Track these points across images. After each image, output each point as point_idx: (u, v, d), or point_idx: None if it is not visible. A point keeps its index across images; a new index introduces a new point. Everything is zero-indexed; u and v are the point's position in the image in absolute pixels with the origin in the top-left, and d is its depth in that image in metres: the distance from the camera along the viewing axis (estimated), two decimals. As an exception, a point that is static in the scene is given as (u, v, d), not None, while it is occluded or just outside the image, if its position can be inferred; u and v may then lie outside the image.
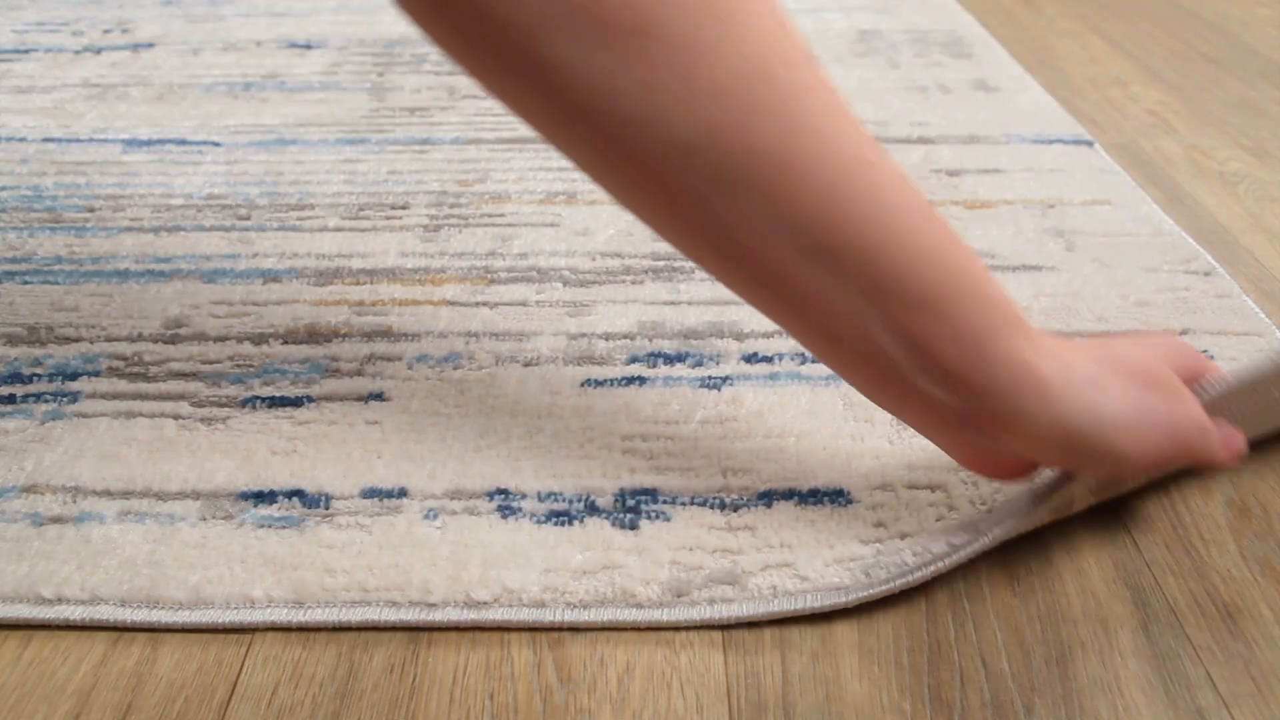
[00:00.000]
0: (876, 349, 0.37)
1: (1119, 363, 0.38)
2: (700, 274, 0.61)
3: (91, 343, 0.56)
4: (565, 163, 0.76)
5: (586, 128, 0.34)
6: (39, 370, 0.54)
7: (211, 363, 0.54)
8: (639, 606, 0.41)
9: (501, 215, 0.68)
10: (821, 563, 0.42)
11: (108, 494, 0.46)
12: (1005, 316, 0.36)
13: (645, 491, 0.46)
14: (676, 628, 0.41)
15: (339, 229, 0.66)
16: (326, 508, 0.45)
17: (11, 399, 0.52)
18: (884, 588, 0.41)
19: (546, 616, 0.40)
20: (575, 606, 0.41)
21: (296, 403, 0.51)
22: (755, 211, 0.34)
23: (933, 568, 0.41)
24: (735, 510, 0.45)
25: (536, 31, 0.32)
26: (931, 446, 0.44)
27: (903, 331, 0.36)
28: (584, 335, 0.56)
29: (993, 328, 0.36)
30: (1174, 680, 0.39)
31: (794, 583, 0.41)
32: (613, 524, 0.44)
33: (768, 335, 0.56)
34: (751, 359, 0.54)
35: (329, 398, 0.52)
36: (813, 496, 0.45)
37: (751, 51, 0.33)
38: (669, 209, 0.36)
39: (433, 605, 0.41)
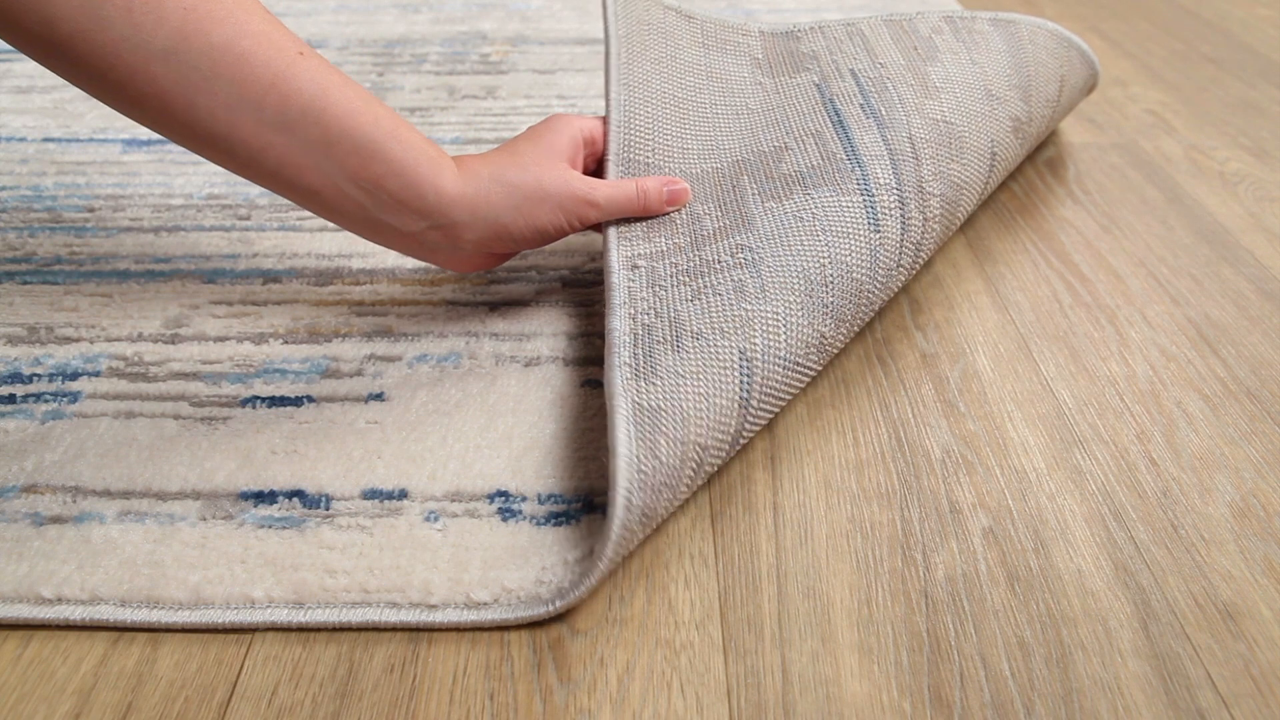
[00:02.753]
0: (346, 195, 0.49)
1: (516, 165, 0.52)
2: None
3: (91, 343, 0.56)
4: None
5: (83, 52, 0.43)
6: (39, 370, 0.54)
7: (211, 363, 0.54)
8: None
9: (501, 215, 0.68)
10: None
11: (108, 494, 0.46)
12: (426, 156, 0.49)
13: (645, 491, 0.46)
14: (676, 627, 0.41)
15: (339, 229, 0.66)
16: (327, 508, 0.45)
17: (11, 399, 0.52)
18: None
19: (546, 617, 0.40)
20: (574, 607, 0.41)
21: (296, 403, 0.51)
22: (227, 97, 0.45)
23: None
24: (735, 510, 0.45)
25: None
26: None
27: (355, 175, 0.48)
28: (584, 335, 0.56)
29: (417, 163, 0.49)
30: (1174, 680, 0.39)
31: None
32: (613, 524, 0.44)
33: (768, 335, 0.56)
34: (751, 359, 0.54)
35: (329, 398, 0.52)
36: (813, 496, 0.45)
37: None
38: (167, 110, 0.45)
39: (433, 606, 0.41)
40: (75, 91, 0.87)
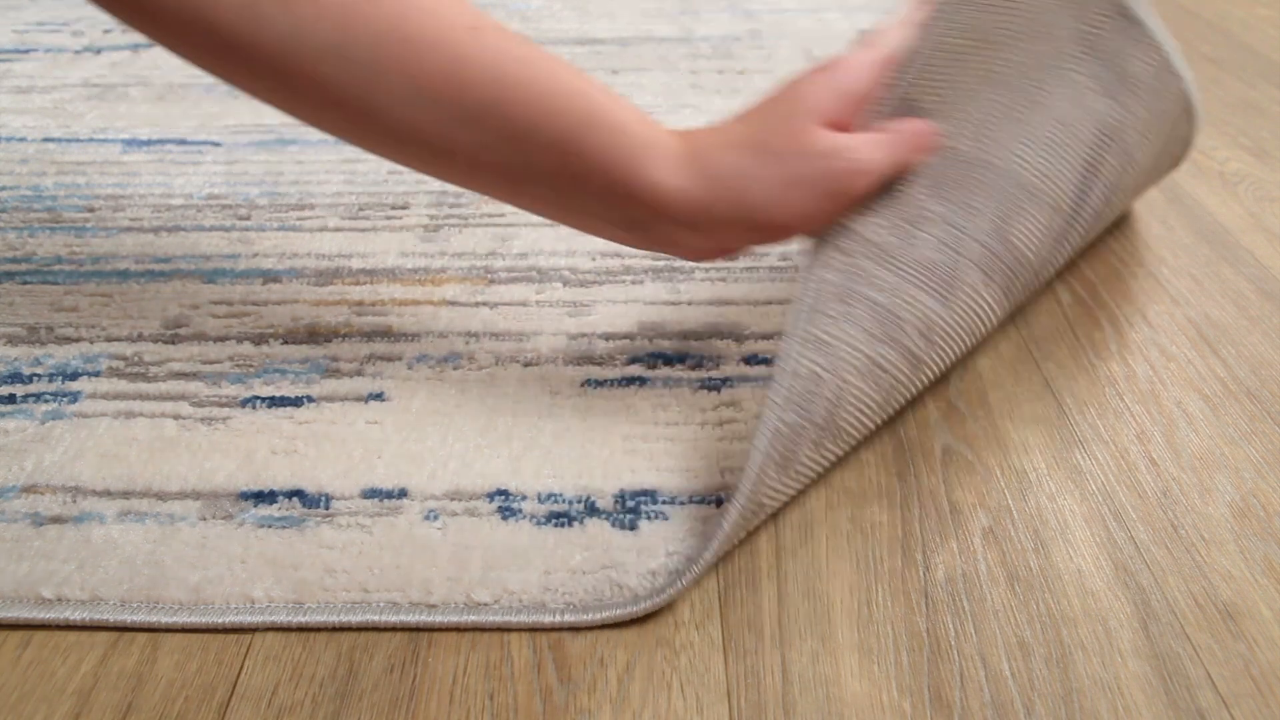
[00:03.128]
0: (545, 189, 0.42)
1: (762, 145, 0.42)
2: (700, 274, 0.61)
3: (91, 343, 0.56)
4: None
5: (247, 56, 0.39)
6: (39, 370, 0.54)
7: (211, 363, 0.54)
8: (635, 599, 0.41)
9: (501, 215, 0.68)
10: (821, 563, 0.42)
11: (108, 494, 0.46)
12: (637, 139, 0.40)
13: (645, 492, 0.46)
14: (676, 628, 0.41)
15: (339, 229, 0.66)
16: (327, 508, 0.45)
17: (11, 399, 0.52)
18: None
19: (546, 617, 0.40)
20: (575, 607, 0.41)
21: (296, 403, 0.51)
22: (401, 90, 0.39)
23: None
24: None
25: None
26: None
27: (553, 173, 0.41)
28: (584, 335, 0.56)
29: (623, 155, 0.40)
30: (1174, 680, 0.39)
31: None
32: (612, 524, 0.44)
33: (767, 336, 0.56)
34: (751, 360, 0.54)
35: (329, 398, 0.52)
36: (813, 496, 0.45)
37: None
38: (345, 113, 0.40)
39: (433, 606, 0.41)
40: (75, 91, 0.87)
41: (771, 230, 0.42)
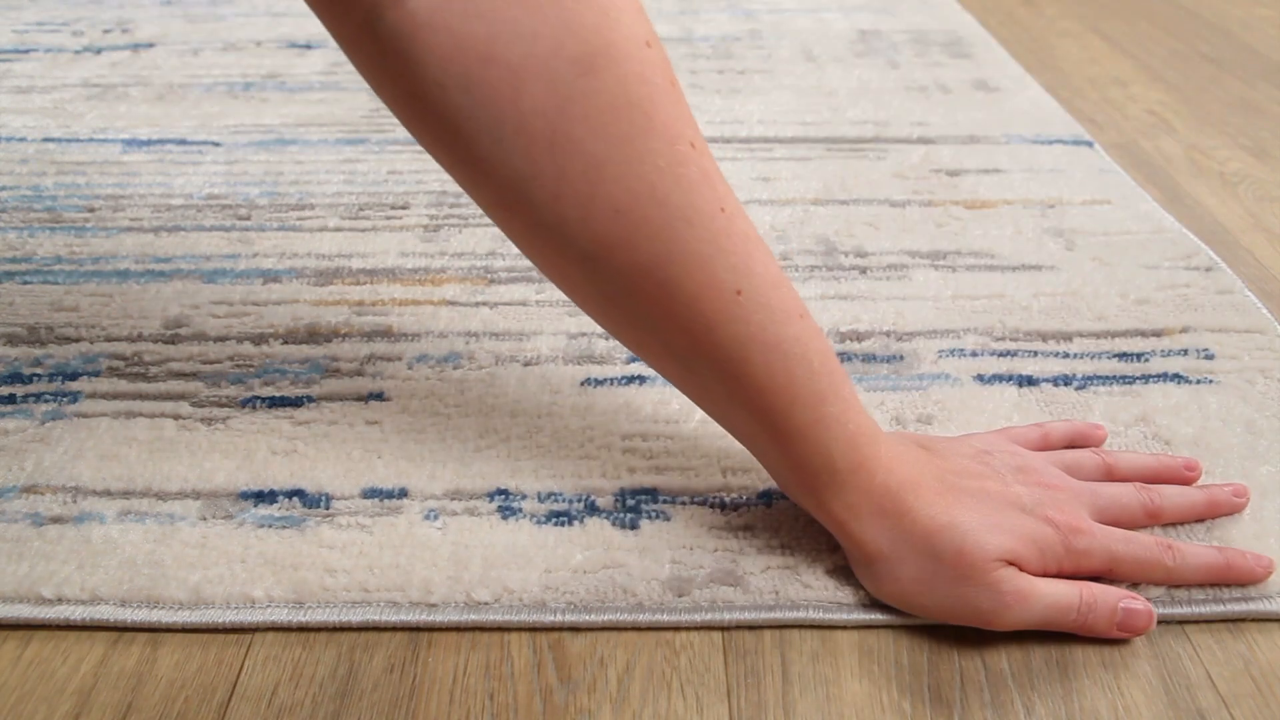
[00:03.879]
0: (750, 447, 0.42)
1: (954, 568, 0.39)
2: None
3: (91, 342, 0.56)
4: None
5: (507, 216, 0.37)
6: (39, 370, 0.54)
7: (211, 363, 0.54)
8: (639, 606, 0.41)
9: (501, 215, 0.68)
10: (823, 568, 0.42)
11: (108, 494, 0.46)
12: (831, 468, 0.40)
13: (645, 491, 0.46)
14: (677, 628, 0.41)
15: (339, 229, 0.66)
16: (327, 508, 0.45)
17: (11, 399, 0.52)
18: (885, 617, 0.40)
19: (546, 617, 0.40)
20: (575, 607, 0.41)
21: (296, 403, 0.51)
22: (643, 319, 0.38)
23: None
24: (735, 510, 0.45)
25: (464, 126, 0.34)
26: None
27: (767, 454, 0.41)
28: (584, 335, 0.56)
29: (813, 475, 0.40)
30: (1174, 680, 0.39)
31: (796, 589, 0.41)
32: (613, 524, 0.44)
33: (768, 335, 0.56)
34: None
35: (329, 398, 0.52)
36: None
37: (650, 174, 0.35)
38: (577, 295, 0.39)
39: (433, 605, 0.41)
40: (75, 92, 0.87)
41: (883, 596, 0.41)
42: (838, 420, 0.39)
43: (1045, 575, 0.40)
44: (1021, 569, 0.39)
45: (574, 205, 0.35)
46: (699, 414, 0.50)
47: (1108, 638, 0.40)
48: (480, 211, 0.68)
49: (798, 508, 0.45)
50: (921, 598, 0.40)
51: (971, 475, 0.41)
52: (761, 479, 0.46)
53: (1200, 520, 0.44)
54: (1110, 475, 0.45)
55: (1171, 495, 0.44)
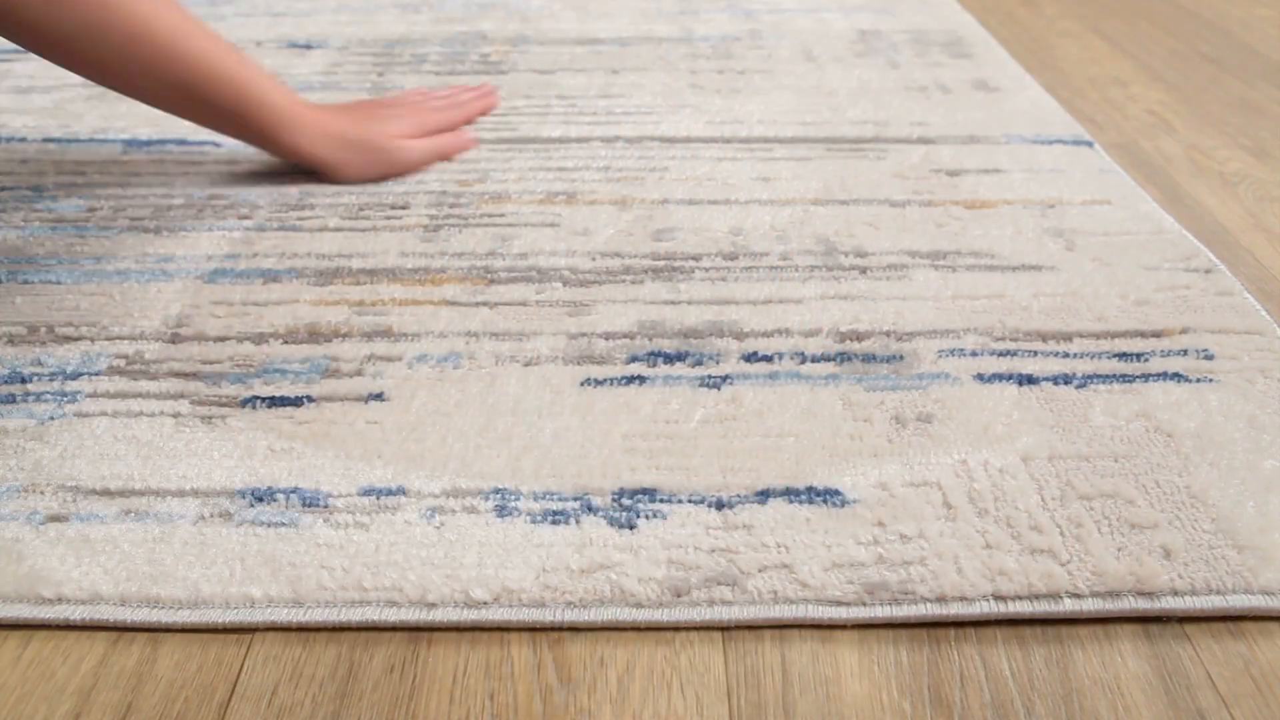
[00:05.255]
0: (230, 133, 0.69)
1: (362, 141, 0.72)
2: (700, 273, 0.61)
3: (92, 341, 0.56)
4: (566, 163, 0.77)
5: (40, 35, 0.58)
6: (39, 370, 0.54)
7: (211, 362, 0.54)
8: (638, 606, 0.41)
9: (501, 215, 0.68)
10: (820, 566, 0.42)
11: (107, 493, 0.46)
12: (280, 116, 0.67)
13: (643, 490, 0.46)
14: (676, 628, 0.41)
15: (339, 229, 0.66)
16: (325, 506, 0.45)
17: (11, 399, 0.52)
18: (886, 612, 0.41)
19: (545, 616, 0.40)
20: (574, 606, 0.41)
21: (296, 403, 0.51)
22: (135, 65, 0.61)
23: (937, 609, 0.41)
24: (732, 509, 0.45)
25: None
26: (930, 446, 0.44)
27: (228, 129, 0.68)
28: (584, 335, 0.56)
29: (275, 129, 0.68)
30: (1174, 680, 0.39)
31: (794, 589, 0.41)
32: (609, 523, 0.44)
33: (767, 335, 0.56)
34: (751, 358, 0.54)
35: (329, 398, 0.52)
36: (809, 495, 0.45)
37: None
38: (96, 70, 0.61)
39: (431, 605, 0.41)
40: (75, 92, 0.87)
41: (343, 173, 0.72)
42: (276, 93, 0.67)
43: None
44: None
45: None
46: (698, 414, 0.50)
47: (461, 151, 0.77)
48: (480, 211, 0.68)
49: (794, 506, 0.45)
50: (362, 171, 0.72)
51: (365, 107, 0.76)
52: (759, 478, 0.46)
53: (481, 95, 0.83)
54: (428, 95, 0.80)
55: (462, 95, 0.82)
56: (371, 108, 0.76)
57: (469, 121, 0.82)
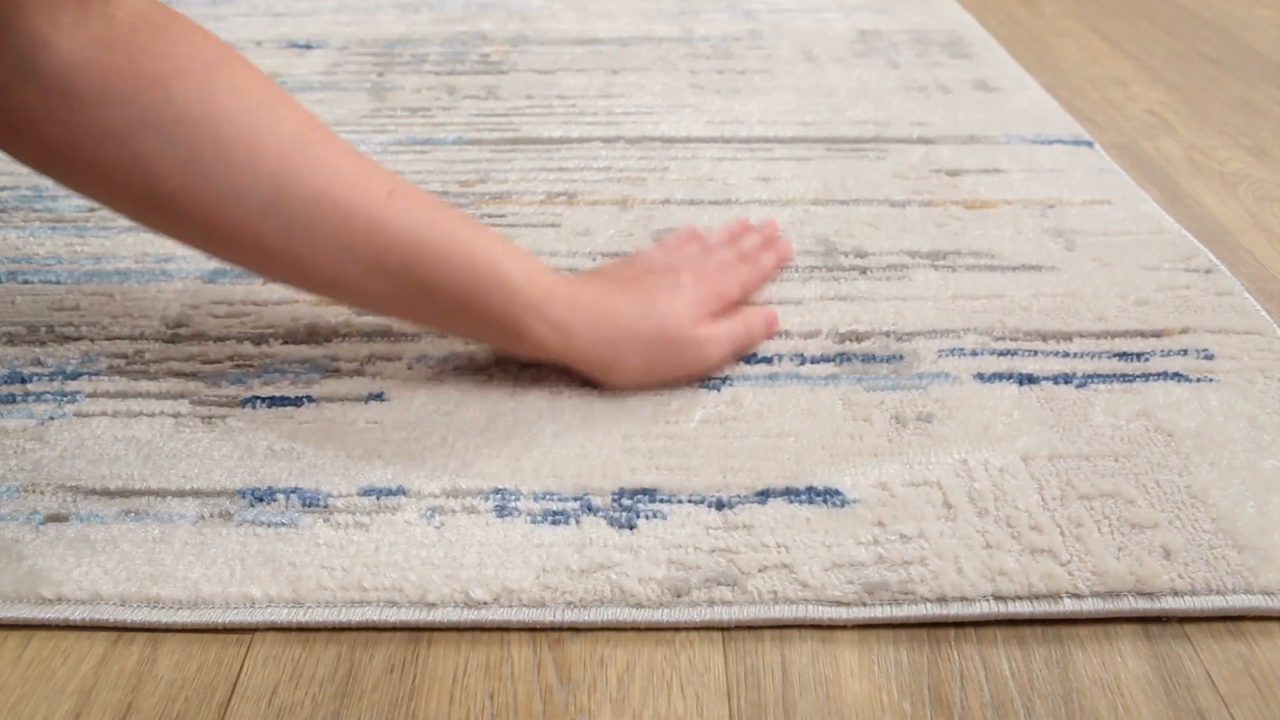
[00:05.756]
0: (449, 328, 0.53)
1: (636, 333, 0.50)
2: (700, 274, 0.61)
3: (92, 341, 0.56)
4: (567, 163, 0.77)
5: (184, 210, 0.44)
6: (39, 370, 0.54)
7: (211, 362, 0.54)
8: (638, 606, 0.41)
9: (502, 215, 0.68)
10: (820, 566, 0.42)
11: (107, 493, 0.46)
12: (527, 300, 0.48)
13: (643, 491, 0.46)
14: (676, 628, 0.41)
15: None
16: (325, 506, 0.45)
17: (11, 399, 0.52)
18: (886, 612, 0.41)
19: (545, 616, 0.40)
20: (574, 606, 0.41)
21: (296, 403, 0.51)
22: (327, 247, 0.45)
23: (937, 609, 0.41)
24: (731, 509, 0.45)
25: (125, 130, 0.42)
26: (930, 446, 0.44)
27: (454, 316, 0.49)
28: (584, 335, 0.56)
29: (518, 313, 0.48)
30: (1174, 680, 0.39)
31: (794, 589, 0.41)
32: (609, 523, 0.44)
33: (766, 335, 0.56)
34: (750, 359, 0.54)
35: (329, 398, 0.52)
36: (809, 495, 0.45)
37: (290, 122, 0.45)
38: (275, 261, 0.46)
39: (431, 605, 0.41)
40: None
41: (624, 386, 0.51)
42: (511, 260, 0.48)
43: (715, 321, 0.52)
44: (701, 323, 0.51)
45: (241, 156, 0.42)
46: (699, 413, 0.50)
47: (766, 339, 0.55)
48: (480, 212, 0.68)
49: (794, 506, 0.45)
50: (653, 375, 0.51)
51: (634, 275, 0.53)
52: (759, 478, 0.46)
53: (769, 244, 0.61)
54: (708, 246, 0.59)
55: (746, 239, 0.60)
56: (645, 274, 0.53)
57: (765, 283, 0.59)
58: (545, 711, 0.37)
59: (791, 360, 0.54)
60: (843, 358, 0.54)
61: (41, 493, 0.46)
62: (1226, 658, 0.39)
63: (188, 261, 0.63)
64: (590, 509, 0.45)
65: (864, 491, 0.46)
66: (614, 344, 0.49)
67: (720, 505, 0.45)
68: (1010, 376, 0.53)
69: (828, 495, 0.46)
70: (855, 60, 0.95)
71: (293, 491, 0.46)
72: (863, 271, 0.62)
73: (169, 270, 0.62)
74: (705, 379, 0.52)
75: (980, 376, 0.53)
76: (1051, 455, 0.48)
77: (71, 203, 0.69)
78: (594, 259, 0.63)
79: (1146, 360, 0.54)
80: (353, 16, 1.06)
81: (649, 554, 0.43)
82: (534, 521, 0.44)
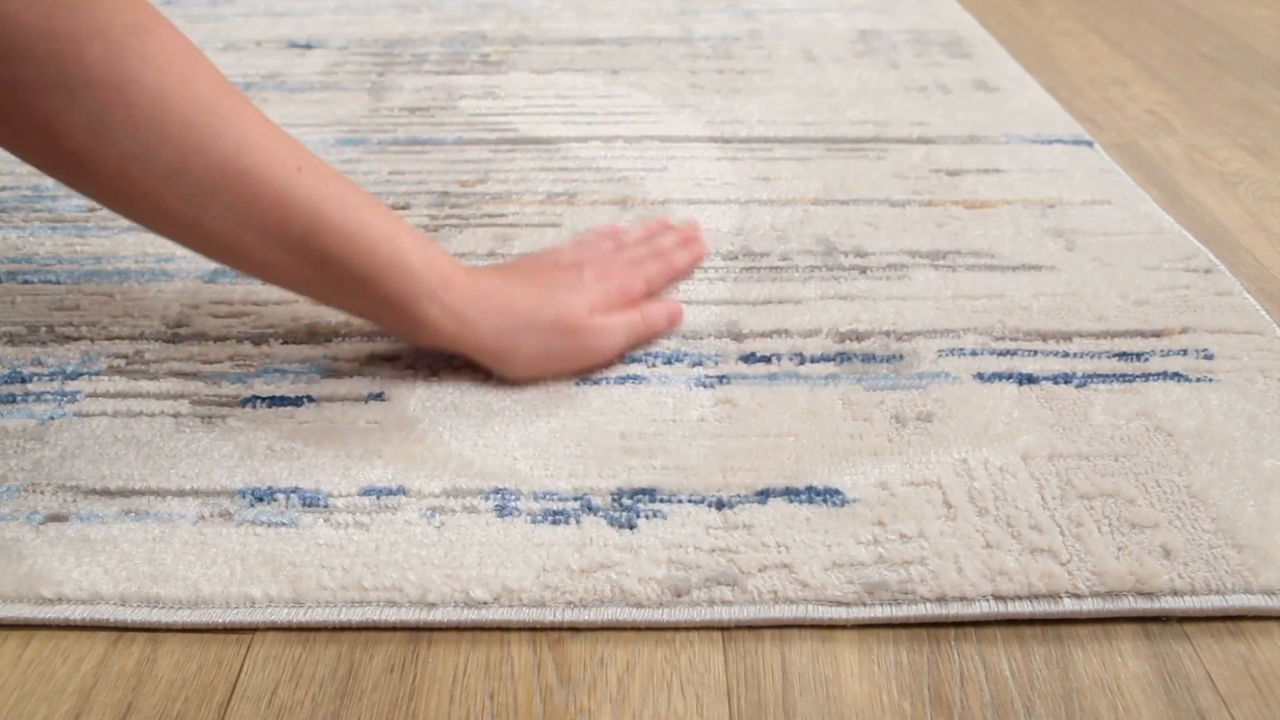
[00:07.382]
0: (348, 305, 0.51)
1: (533, 320, 0.51)
2: (699, 274, 0.61)
3: (92, 341, 0.56)
4: (567, 163, 0.77)
5: (91, 169, 0.44)
6: (39, 370, 0.54)
7: (211, 362, 0.54)
8: (638, 606, 0.41)
9: (502, 215, 0.68)
10: (820, 566, 0.42)
11: (107, 493, 0.46)
12: (426, 284, 0.48)
13: (643, 490, 0.46)
14: (676, 628, 0.41)
15: (339, 229, 0.66)
16: (325, 506, 0.45)
17: (11, 399, 0.52)
18: (886, 612, 0.41)
19: (545, 616, 0.40)
20: (574, 605, 0.41)
21: (296, 402, 0.51)
22: (231, 216, 0.45)
23: (938, 609, 0.41)
24: (731, 508, 0.45)
25: (33, 87, 0.41)
26: (930, 445, 0.44)
27: (354, 294, 0.49)
28: (584, 335, 0.56)
29: (414, 298, 0.48)
30: (1174, 680, 0.39)
31: (794, 589, 0.41)
32: (609, 523, 0.44)
33: (766, 335, 0.56)
34: (749, 359, 0.54)
35: (329, 398, 0.52)
36: (809, 495, 0.45)
37: (204, 90, 0.44)
38: (176, 225, 0.46)
39: (431, 605, 0.41)
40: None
41: (512, 363, 0.52)
42: (413, 245, 0.48)
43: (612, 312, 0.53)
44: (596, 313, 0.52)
45: (148, 122, 0.42)
46: (696, 413, 0.50)
47: (667, 332, 0.55)
48: (480, 212, 0.68)
49: (794, 505, 0.45)
50: (549, 364, 0.52)
51: (539, 268, 0.54)
52: (759, 478, 0.46)
53: (686, 243, 0.61)
54: (621, 243, 0.59)
55: (663, 237, 0.61)
56: (549, 269, 0.54)
57: (677, 280, 0.60)
58: (545, 711, 0.37)
59: (791, 360, 0.54)
60: (843, 357, 0.55)
61: (41, 492, 0.46)
62: (1226, 657, 0.39)
63: (188, 261, 0.63)
64: (590, 509, 0.45)
65: (864, 491, 0.46)
66: (509, 333, 0.50)
67: (720, 505, 0.45)
68: (1010, 376, 0.53)
69: (828, 495, 0.46)
70: (855, 60, 0.95)
71: (293, 491, 0.46)
72: (863, 271, 0.62)
73: (169, 270, 0.62)
74: (599, 370, 0.53)
75: (980, 376, 0.53)
76: (1051, 455, 0.48)
77: (72, 203, 0.69)
78: (594, 259, 0.63)
79: (1146, 360, 0.54)
80: (353, 16, 1.06)
81: (649, 554, 0.43)
82: (534, 521, 0.44)
